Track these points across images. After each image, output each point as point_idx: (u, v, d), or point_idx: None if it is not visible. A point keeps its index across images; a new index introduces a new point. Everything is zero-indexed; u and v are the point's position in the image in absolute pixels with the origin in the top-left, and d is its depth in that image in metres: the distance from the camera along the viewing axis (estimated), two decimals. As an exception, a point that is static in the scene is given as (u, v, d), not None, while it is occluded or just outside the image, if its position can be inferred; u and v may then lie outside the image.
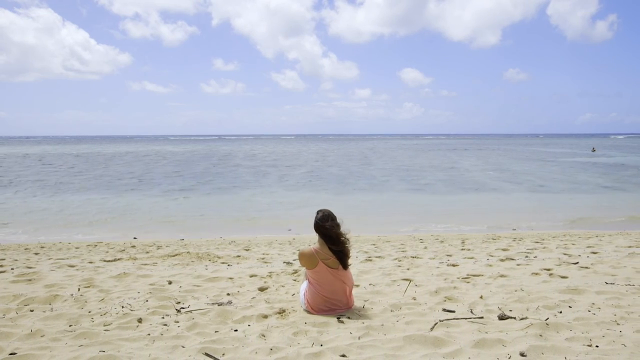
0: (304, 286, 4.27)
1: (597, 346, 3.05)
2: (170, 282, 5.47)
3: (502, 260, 7.02)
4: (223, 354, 3.09)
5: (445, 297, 4.61)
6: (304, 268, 4.30)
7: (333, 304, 4.06)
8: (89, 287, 5.20)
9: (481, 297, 4.54)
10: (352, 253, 8.24)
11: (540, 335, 3.24)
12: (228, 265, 7.05)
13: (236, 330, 3.60)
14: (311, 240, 10.28)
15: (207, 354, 3.00)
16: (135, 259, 7.87)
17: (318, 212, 4.15)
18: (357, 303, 4.40)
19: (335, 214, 4.15)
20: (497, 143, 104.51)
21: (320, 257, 4.04)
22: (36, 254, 8.67)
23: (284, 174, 29.48)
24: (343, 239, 4.07)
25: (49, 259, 7.90)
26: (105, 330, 3.59)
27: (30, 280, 5.56)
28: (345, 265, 4.10)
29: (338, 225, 4.08)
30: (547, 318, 3.66)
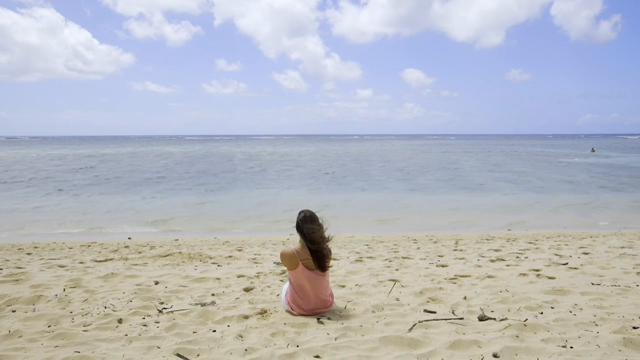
0: (285, 287, 4.27)
1: (571, 347, 3.04)
2: (156, 283, 5.47)
3: (492, 261, 7.01)
4: (198, 355, 3.09)
5: (429, 298, 4.60)
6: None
7: (314, 304, 4.06)
8: (75, 287, 5.20)
9: (465, 298, 4.53)
10: (344, 254, 8.26)
11: (517, 336, 3.23)
12: (218, 265, 7.05)
13: (214, 331, 3.60)
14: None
15: (178, 355, 3.00)
16: (126, 259, 7.87)
17: (300, 213, 4.15)
18: (341, 304, 4.39)
19: (317, 215, 4.14)
20: (497, 143, 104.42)
21: (301, 258, 4.03)
22: (29, 254, 8.69)
23: (283, 174, 29.49)
24: (323, 242, 4.05)
25: (41, 259, 7.91)
26: (84, 330, 3.59)
27: (17, 280, 5.56)
28: (323, 268, 4.08)
29: (320, 227, 4.06)
30: (526, 319, 3.65)
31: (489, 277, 5.64)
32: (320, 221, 4.08)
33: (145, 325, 3.73)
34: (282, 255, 4.08)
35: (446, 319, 3.75)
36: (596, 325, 3.50)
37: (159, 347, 3.21)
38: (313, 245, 4.02)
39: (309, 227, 4.01)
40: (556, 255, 7.43)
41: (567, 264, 6.44)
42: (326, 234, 4.10)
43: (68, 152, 60.98)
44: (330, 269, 4.23)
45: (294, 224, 4.15)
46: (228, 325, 3.77)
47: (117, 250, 9.14)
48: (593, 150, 58.65)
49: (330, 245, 4.20)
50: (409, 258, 7.52)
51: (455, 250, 8.57)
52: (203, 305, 4.39)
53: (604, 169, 32.00)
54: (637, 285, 4.93)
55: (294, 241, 10.62)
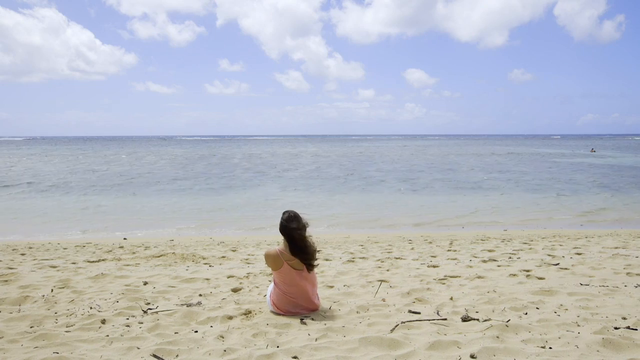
0: (271, 287, 4.26)
1: (550, 348, 3.03)
2: (145, 283, 5.46)
3: (484, 261, 6.99)
4: (177, 355, 3.09)
5: (416, 298, 4.59)
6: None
7: (298, 305, 4.06)
8: (63, 288, 5.21)
9: (451, 299, 4.53)
10: (337, 254, 8.25)
11: (497, 337, 3.22)
12: (210, 266, 7.04)
13: (196, 332, 3.59)
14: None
15: (155, 356, 2.99)
16: (119, 259, 7.87)
17: (284, 213, 4.15)
18: (327, 304, 4.38)
19: (301, 215, 4.14)
20: (497, 144, 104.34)
21: (285, 259, 4.03)
22: (22, 254, 8.69)
23: (283, 174, 29.50)
24: (308, 242, 4.05)
25: (34, 259, 7.92)
26: (66, 331, 3.59)
27: (6, 281, 5.56)
28: (309, 267, 4.08)
29: (303, 227, 4.06)
30: (509, 320, 3.64)
31: (479, 277, 5.63)
32: (304, 221, 4.08)
33: (128, 326, 3.72)
34: (266, 256, 4.09)
35: (429, 320, 3.74)
36: (578, 325, 3.49)
37: (138, 348, 3.21)
38: (296, 245, 4.02)
39: (292, 227, 4.01)
40: (549, 255, 7.41)
41: (558, 264, 6.43)
42: (309, 234, 4.09)
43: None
44: (316, 269, 4.23)
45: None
46: (211, 326, 3.76)
47: (111, 251, 9.14)
48: (593, 151, 58.50)
49: (317, 245, 4.19)
50: (401, 259, 7.51)
51: (449, 250, 8.55)
52: (189, 305, 4.39)
53: (603, 169, 31.95)
54: (626, 286, 4.92)
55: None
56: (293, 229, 4.00)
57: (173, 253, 8.37)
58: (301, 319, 3.87)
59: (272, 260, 4.05)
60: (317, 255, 4.23)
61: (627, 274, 5.58)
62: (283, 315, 4.03)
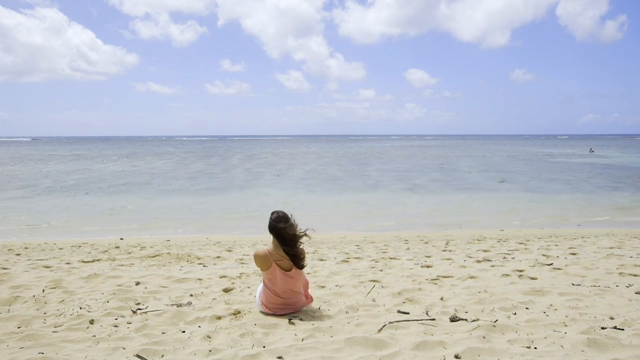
0: (260, 287, 4.26)
1: (535, 348, 3.03)
2: (137, 283, 5.46)
3: (478, 261, 6.99)
4: (162, 356, 3.08)
5: (407, 298, 4.58)
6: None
7: (287, 304, 4.06)
8: (54, 288, 5.21)
9: (441, 299, 4.52)
10: (333, 254, 8.24)
11: (484, 337, 3.21)
12: (203, 266, 7.04)
13: (183, 332, 3.59)
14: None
15: (138, 356, 2.99)
16: (114, 259, 7.87)
17: (272, 214, 4.15)
18: (317, 304, 4.38)
19: (289, 215, 4.14)
20: (498, 144, 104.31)
21: (274, 259, 4.03)
22: (18, 254, 8.69)
23: (282, 174, 29.50)
24: (298, 241, 4.05)
25: (28, 259, 7.92)
26: (53, 332, 3.58)
27: (-2, 281, 5.56)
28: (299, 267, 4.08)
29: (292, 227, 4.06)
30: (496, 320, 3.64)
31: (471, 277, 5.62)
32: (292, 221, 4.08)
33: (116, 327, 3.72)
34: (255, 256, 4.08)
35: (418, 320, 3.74)
36: (565, 325, 3.49)
37: (124, 348, 3.21)
38: (286, 245, 4.02)
39: (281, 227, 4.01)
40: (544, 255, 7.40)
41: (551, 264, 6.42)
42: (299, 233, 4.09)
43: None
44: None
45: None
46: (199, 326, 3.76)
47: (106, 251, 9.14)
48: (592, 151, 58.44)
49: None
50: (396, 259, 7.50)
51: (444, 250, 8.54)
52: (179, 306, 4.38)
53: (602, 169, 31.93)
54: (617, 286, 4.92)
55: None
56: (281, 228, 4.01)
57: (168, 253, 8.37)
58: (289, 319, 3.87)
59: (261, 260, 4.05)
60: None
61: (620, 274, 5.57)
62: (272, 315, 4.03)
